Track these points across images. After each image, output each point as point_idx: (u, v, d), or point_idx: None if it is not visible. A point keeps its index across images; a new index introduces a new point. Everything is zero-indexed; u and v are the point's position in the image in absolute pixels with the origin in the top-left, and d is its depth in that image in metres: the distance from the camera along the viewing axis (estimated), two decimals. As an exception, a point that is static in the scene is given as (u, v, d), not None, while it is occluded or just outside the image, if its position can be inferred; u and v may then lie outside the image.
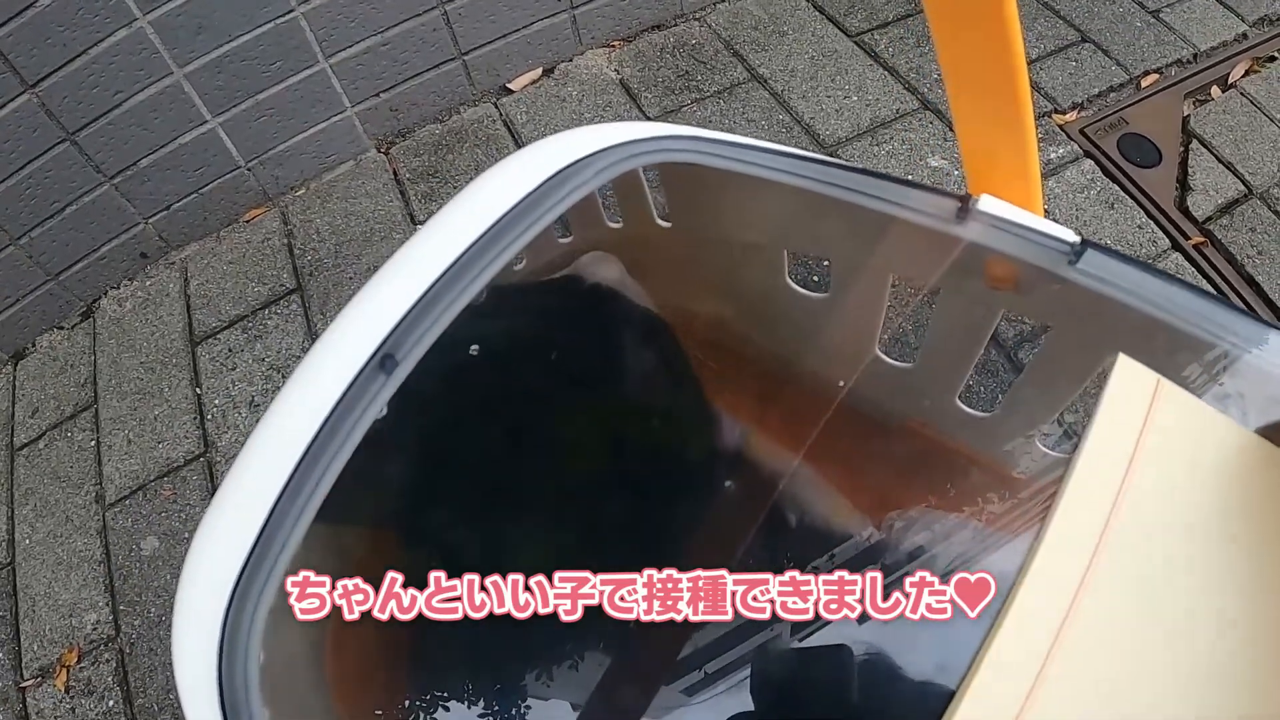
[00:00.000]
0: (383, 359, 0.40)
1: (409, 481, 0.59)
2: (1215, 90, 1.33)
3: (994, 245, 0.41)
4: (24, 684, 1.06)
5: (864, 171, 0.41)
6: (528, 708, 0.58)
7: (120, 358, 1.27)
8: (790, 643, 0.57)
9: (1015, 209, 0.40)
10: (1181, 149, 1.26)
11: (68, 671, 1.05)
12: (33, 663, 1.07)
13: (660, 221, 0.58)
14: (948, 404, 0.63)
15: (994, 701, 0.35)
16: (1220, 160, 1.23)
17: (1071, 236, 0.40)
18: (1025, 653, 0.36)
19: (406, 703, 0.59)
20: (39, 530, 1.16)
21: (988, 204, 0.40)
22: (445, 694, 0.58)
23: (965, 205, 0.40)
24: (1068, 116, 1.30)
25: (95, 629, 1.07)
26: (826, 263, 0.57)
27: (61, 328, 1.35)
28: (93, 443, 1.21)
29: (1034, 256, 0.41)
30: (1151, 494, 0.38)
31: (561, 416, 0.55)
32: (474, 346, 0.51)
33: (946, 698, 0.37)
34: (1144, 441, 0.38)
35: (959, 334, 0.56)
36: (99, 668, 1.04)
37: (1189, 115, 1.29)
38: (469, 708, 0.58)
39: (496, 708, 0.57)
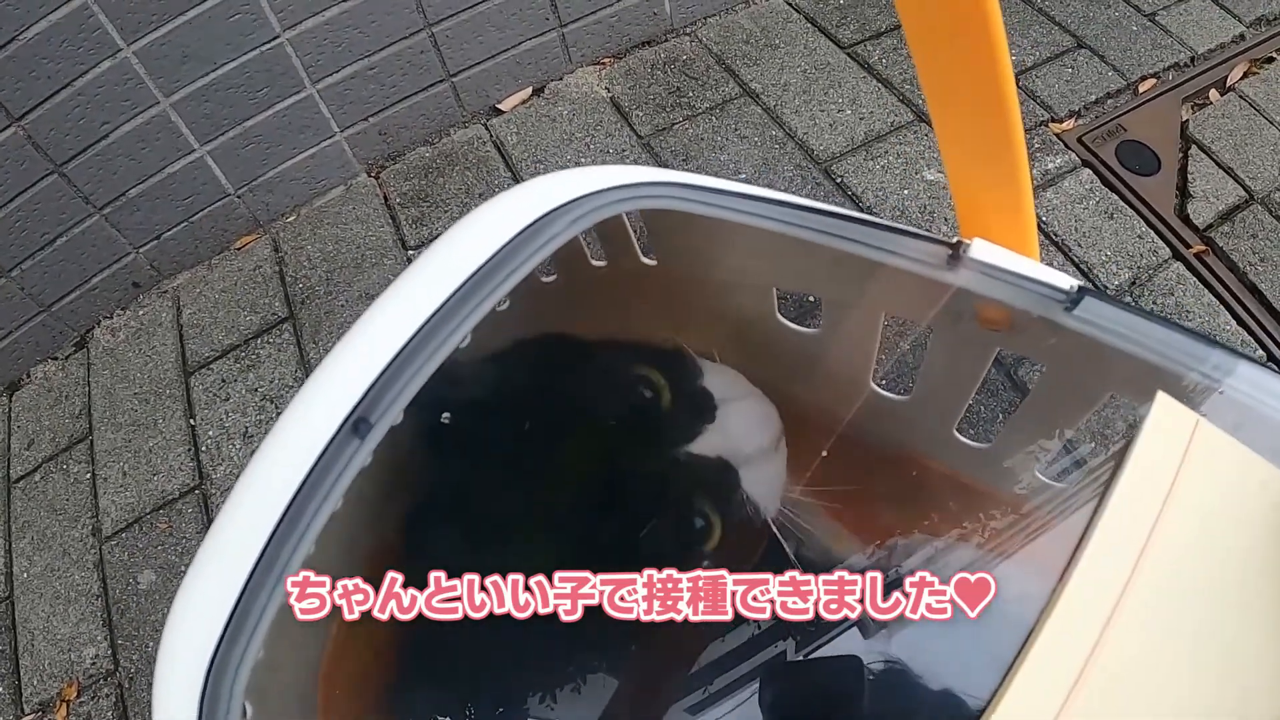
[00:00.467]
0: (355, 423, 0.39)
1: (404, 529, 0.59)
2: (1214, 94, 1.31)
3: (986, 292, 0.39)
4: (24, 719, 1.06)
5: (850, 218, 0.40)
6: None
7: (114, 388, 1.26)
8: (797, 656, 0.57)
9: (1008, 254, 0.39)
10: (1181, 155, 1.25)
11: (68, 706, 1.05)
12: (33, 697, 1.06)
13: (645, 260, 0.56)
14: (945, 436, 0.62)
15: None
16: (1220, 165, 1.21)
17: (1067, 283, 0.39)
18: (1048, 689, 0.34)
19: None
20: (36, 564, 1.16)
21: (980, 250, 0.39)
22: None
23: (956, 252, 0.39)
24: (1064, 125, 1.28)
25: (94, 663, 1.06)
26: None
27: (55, 358, 1.34)
28: (88, 475, 1.20)
29: (1028, 304, 0.40)
30: (1186, 535, 0.36)
31: (552, 452, 0.54)
32: (446, 415, 0.50)
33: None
34: (1180, 482, 0.36)
35: (953, 371, 0.54)
36: (98, 702, 1.03)
37: (1187, 120, 1.28)
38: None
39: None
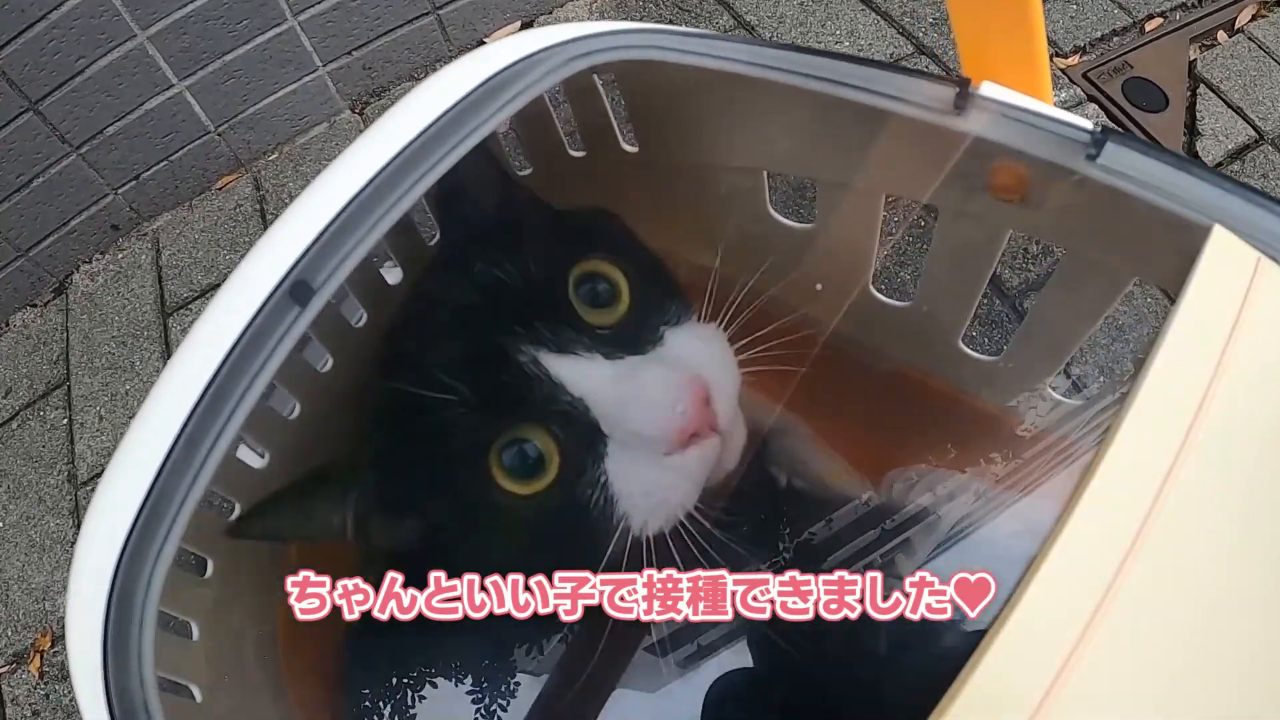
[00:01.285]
0: (293, 288, 0.35)
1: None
2: (1222, 35, 1.26)
3: (1001, 139, 0.35)
4: (-1, 670, 1.03)
5: (843, 57, 0.35)
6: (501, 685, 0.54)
7: (92, 333, 1.23)
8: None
9: (1020, 95, 0.35)
10: (1189, 94, 1.21)
11: (41, 656, 1.02)
12: (7, 649, 1.04)
13: (626, 146, 0.52)
14: (950, 346, 0.57)
15: (1039, 639, 0.29)
16: (1229, 105, 1.18)
17: (1088, 125, 0.34)
18: (1087, 569, 0.30)
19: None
20: (12, 513, 1.13)
21: (990, 90, 0.35)
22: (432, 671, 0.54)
23: (964, 91, 0.34)
24: (1070, 60, 1.24)
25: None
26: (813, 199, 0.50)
27: (34, 305, 1.30)
28: (65, 421, 1.17)
29: (1048, 151, 0.35)
30: (1247, 386, 0.31)
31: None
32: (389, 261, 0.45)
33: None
34: (1241, 326, 0.31)
35: (961, 263, 0.50)
36: (72, 651, 1.00)
37: (1195, 60, 1.24)
38: (455, 685, 0.54)
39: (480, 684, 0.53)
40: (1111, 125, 1.14)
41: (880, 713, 0.46)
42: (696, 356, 0.43)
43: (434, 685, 0.54)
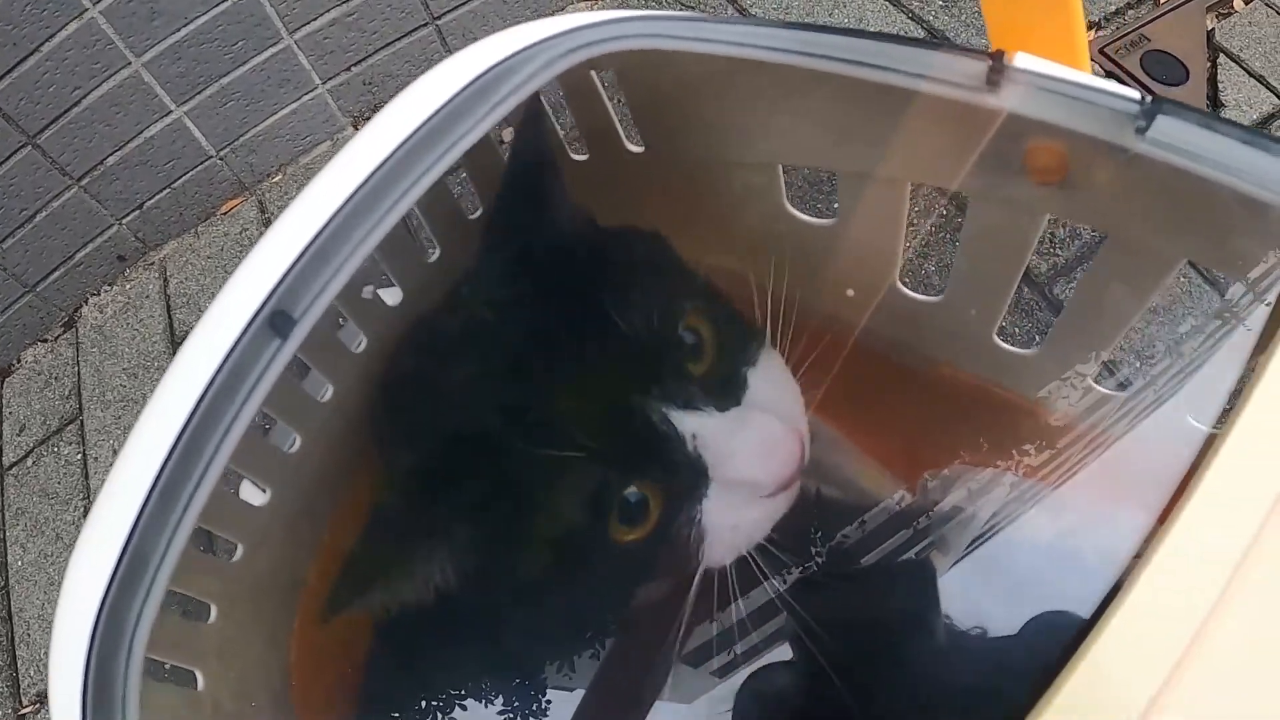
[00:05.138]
0: (272, 318, 0.32)
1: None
2: (1237, 2, 1.22)
3: (1038, 115, 0.31)
4: (23, 711, 1.02)
5: (861, 34, 0.32)
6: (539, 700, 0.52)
7: (103, 366, 1.21)
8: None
9: (1059, 66, 0.31)
10: (1209, 65, 1.16)
11: (64, 697, 1.00)
12: (30, 688, 1.03)
13: (631, 147, 0.49)
14: (985, 341, 0.54)
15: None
16: (1251, 74, 1.13)
17: (1135, 95, 0.31)
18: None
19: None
20: (30, 551, 1.11)
21: (1026, 61, 0.31)
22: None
23: (998, 64, 0.31)
24: (1086, 36, 1.20)
25: (89, 652, 1.01)
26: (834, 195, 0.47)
27: (45, 340, 1.29)
28: (79, 456, 1.16)
29: (1091, 126, 0.32)
30: None
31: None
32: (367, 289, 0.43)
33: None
34: None
35: (994, 253, 0.47)
36: (95, 692, 0.99)
37: (1213, 29, 1.19)
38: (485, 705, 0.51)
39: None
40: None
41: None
42: (783, 401, 0.46)
43: (463, 707, 0.52)
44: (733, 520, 0.43)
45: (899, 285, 0.53)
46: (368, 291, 0.44)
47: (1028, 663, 0.37)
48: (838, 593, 0.51)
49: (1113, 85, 0.31)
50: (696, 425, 0.42)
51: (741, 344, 0.46)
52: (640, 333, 0.43)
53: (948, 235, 0.98)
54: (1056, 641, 0.27)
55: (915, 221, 0.93)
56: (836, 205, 0.48)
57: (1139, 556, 0.27)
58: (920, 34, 1.21)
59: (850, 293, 0.48)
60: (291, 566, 0.53)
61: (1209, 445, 0.27)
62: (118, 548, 0.31)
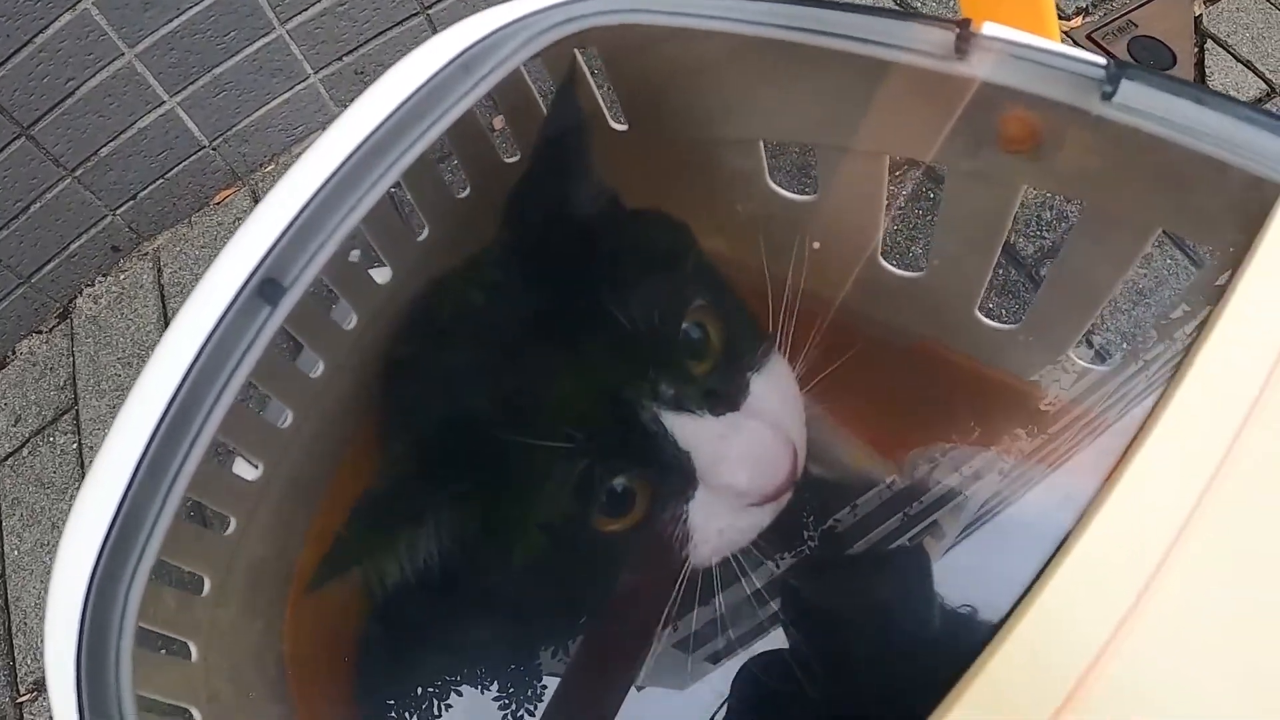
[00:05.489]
0: (261, 285, 0.33)
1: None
2: (1226, -13, 1.23)
3: (1008, 82, 0.32)
4: (20, 699, 1.03)
5: (830, 5, 0.33)
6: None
7: (98, 356, 1.22)
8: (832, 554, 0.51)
9: (1026, 34, 0.32)
10: (1196, 50, 1.17)
11: (62, 684, 1.01)
12: (27, 677, 1.04)
13: (615, 125, 0.50)
14: (967, 316, 0.55)
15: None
16: (1239, 59, 1.14)
17: (1101, 60, 0.31)
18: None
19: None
20: (26, 540, 1.12)
21: (994, 29, 0.32)
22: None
23: (965, 32, 0.31)
24: (1073, 22, 1.21)
25: (86, 638, 1.02)
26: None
27: (40, 332, 1.30)
28: (74, 446, 1.16)
29: (1059, 91, 0.32)
30: None
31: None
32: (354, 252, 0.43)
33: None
34: None
35: (973, 226, 0.47)
36: (92, 678, 1.00)
37: (1201, 14, 1.20)
38: (481, 691, 0.52)
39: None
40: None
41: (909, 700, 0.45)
42: (783, 411, 0.45)
43: (459, 693, 0.52)
44: (719, 525, 0.43)
45: (881, 261, 0.54)
46: (354, 255, 0.45)
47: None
48: (831, 580, 0.51)
49: (1079, 52, 0.32)
50: (687, 428, 0.42)
51: (749, 347, 0.46)
52: (640, 325, 0.43)
53: (933, 216, 1.00)
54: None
55: (904, 205, 0.94)
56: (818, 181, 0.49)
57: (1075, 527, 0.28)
58: (895, 7, 1.22)
59: (815, 245, 0.48)
60: (283, 547, 0.53)
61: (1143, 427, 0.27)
62: (109, 513, 0.31)
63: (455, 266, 0.50)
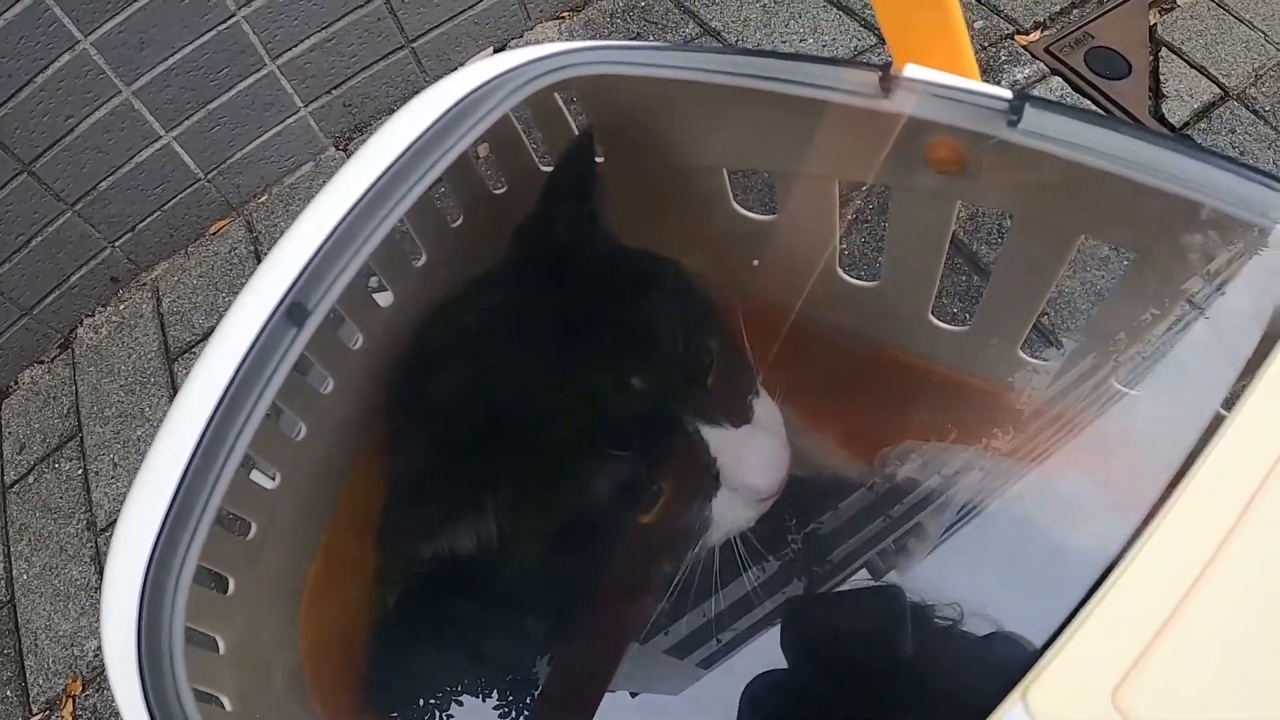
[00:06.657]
0: (290, 309, 0.38)
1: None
2: (1181, -2, 1.29)
3: (929, 116, 0.38)
4: (32, 719, 1.05)
5: (773, 55, 0.38)
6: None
7: (100, 384, 1.26)
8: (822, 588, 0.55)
9: (942, 74, 0.38)
10: (1151, 58, 1.22)
11: (74, 701, 1.04)
12: (39, 697, 1.06)
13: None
14: (921, 320, 0.60)
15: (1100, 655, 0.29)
16: (1192, 65, 1.19)
17: (1006, 94, 0.37)
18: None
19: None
20: (35, 564, 1.15)
21: (912, 71, 0.37)
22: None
23: (885, 74, 0.37)
24: (1031, 36, 1.26)
25: (96, 655, 1.05)
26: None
27: (42, 362, 1.33)
28: (79, 471, 1.20)
29: (973, 122, 0.38)
30: None
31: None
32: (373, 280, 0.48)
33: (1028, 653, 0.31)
34: None
35: (919, 237, 0.53)
36: (103, 694, 1.03)
37: (1156, 24, 1.26)
38: (482, 700, 0.56)
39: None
40: (1073, 92, 1.16)
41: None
42: (775, 423, 0.54)
43: (459, 703, 0.56)
44: (730, 513, 0.50)
45: (840, 273, 0.59)
46: (374, 282, 0.49)
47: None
48: (818, 612, 0.56)
49: (986, 87, 0.37)
50: (717, 439, 0.49)
51: (745, 364, 0.53)
52: (674, 353, 0.50)
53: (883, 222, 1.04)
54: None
55: (871, 219, 0.99)
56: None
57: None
58: (873, 39, 1.27)
59: (755, 263, 0.55)
60: (297, 552, 0.57)
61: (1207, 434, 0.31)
62: (159, 517, 0.36)
63: (462, 292, 0.55)
